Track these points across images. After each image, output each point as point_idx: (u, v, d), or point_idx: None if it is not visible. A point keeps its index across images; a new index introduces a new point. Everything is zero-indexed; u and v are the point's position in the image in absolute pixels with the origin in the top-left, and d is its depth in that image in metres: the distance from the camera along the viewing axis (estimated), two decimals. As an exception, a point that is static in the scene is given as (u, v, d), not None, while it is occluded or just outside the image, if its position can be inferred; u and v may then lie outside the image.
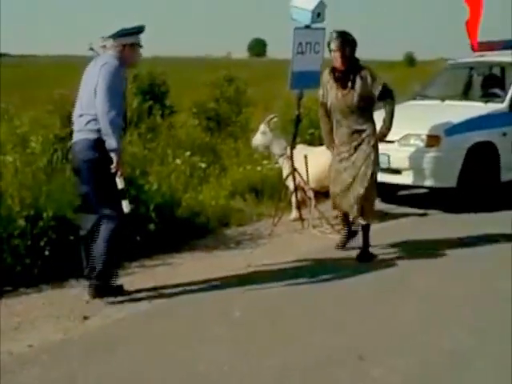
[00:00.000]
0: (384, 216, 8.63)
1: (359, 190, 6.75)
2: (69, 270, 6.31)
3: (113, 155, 5.61)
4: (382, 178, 8.85)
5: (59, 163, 8.28)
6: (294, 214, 8.31)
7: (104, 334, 5.22)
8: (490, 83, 9.85)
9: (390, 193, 9.42)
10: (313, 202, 8.03)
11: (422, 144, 8.70)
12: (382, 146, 8.73)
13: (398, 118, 9.39)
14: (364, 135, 6.73)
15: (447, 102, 9.63)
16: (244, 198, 9.06)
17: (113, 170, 5.61)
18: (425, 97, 10.17)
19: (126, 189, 5.78)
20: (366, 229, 6.94)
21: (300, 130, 10.70)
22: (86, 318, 5.46)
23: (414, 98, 10.34)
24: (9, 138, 10.53)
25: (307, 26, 7.58)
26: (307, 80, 7.71)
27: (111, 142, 5.57)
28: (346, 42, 6.63)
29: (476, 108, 9.23)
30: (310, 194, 8.05)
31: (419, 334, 5.05)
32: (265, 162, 9.51)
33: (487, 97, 9.54)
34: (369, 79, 6.63)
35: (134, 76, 13.00)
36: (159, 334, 5.15)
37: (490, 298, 5.75)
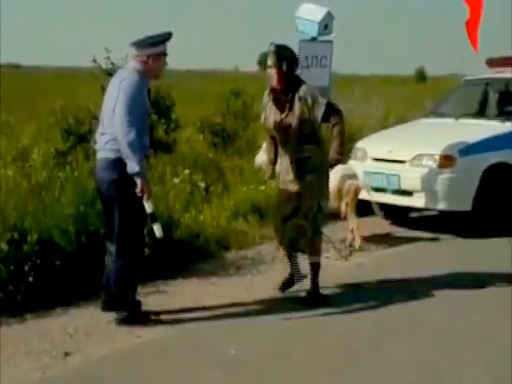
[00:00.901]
0: (393, 240, 8.19)
1: (302, 223, 5.96)
2: (55, 298, 5.91)
3: (136, 179, 5.23)
4: (392, 199, 8.47)
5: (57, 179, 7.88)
6: (299, 236, 7.86)
7: (85, 373, 4.76)
8: (507, 101, 9.37)
9: (400, 215, 8.96)
10: (319, 225, 7.56)
11: (434, 165, 8.22)
12: (392, 167, 8.40)
13: (410, 137, 9.07)
14: (310, 163, 5.91)
15: (462, 121, 9.14)
16: (246, 220, 8.59)
17: (138, 195, 5.25)
18: (438, 114, 9.71)
19: (154, 213, 5.38)
20: (314, 267, 6.14)
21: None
22: (67, 354, 5.01)
23: (427, 116, 9.89)
24: (9, 151, 10.23)
25: (313, 39, 7.15)
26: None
27: (133, 166, 5.18)
28: (283, 57, 5.82)
29: (492, 127, 8.74)
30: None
31: (429, 378, 4.58)
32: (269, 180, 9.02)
33: (504, 115, 9.04)
34: (309, 99, 5.80)
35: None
36: (145, 375, 4.68)
37: (504, 338, 5.26)
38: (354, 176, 7.72)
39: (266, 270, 7.06)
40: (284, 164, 6.04)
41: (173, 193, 8.18)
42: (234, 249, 7.80)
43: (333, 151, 5.94)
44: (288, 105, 5.84)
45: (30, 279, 5.83)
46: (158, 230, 5.35)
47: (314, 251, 6.09)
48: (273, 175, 6.30)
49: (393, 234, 8.51)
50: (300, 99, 5.80)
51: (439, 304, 6.02)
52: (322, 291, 6.18)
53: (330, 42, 7.22)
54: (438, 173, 8.19)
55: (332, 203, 7.66)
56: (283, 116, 5.88)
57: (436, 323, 5.57)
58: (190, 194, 8.74)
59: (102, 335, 5.35)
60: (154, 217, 5.36)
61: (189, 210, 8.17)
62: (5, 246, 5.81)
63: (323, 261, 7.24)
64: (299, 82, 5.89)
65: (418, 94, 18.62)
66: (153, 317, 5.61)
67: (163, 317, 5.69)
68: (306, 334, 5.37)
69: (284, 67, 5.79)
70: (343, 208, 7.66)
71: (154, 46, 5.38)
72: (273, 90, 5.96)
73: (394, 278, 6.73)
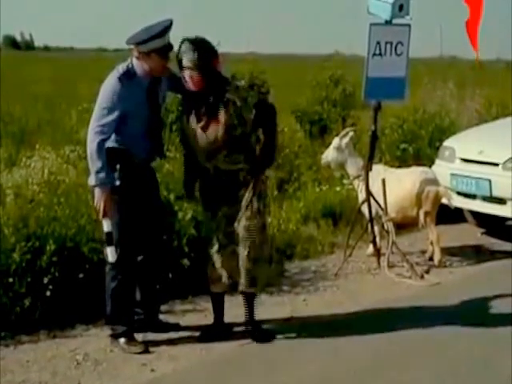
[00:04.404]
0: (483, 254, 7.12)
1: (243, 252, 4.84)
2: (78, 315, 5.28)
3: (93, 192, 4.69)
4: (481, 207, 7.37)
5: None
6: (371, 247, 6.93)
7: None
8: None
9: (494, 223, 7.78)
10: (391, 235, 6.61)
11: (533, 169, 7.04)
12: (482, 170, 7.26)
13: (505, 135, 7.85)
14: (241, 177, 4.83)
15: None
16: (318, 224, 7.70)
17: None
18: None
19: (111, 233, 4.69)
20: (249, 298, 5.11)
21: (390, 145, 9.35)
22: (63, 391, 4.35)
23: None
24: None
25: (387, 22, 6.15)
26: (387, 88, 6.25)
27: (91, 177, 4.64)
28: (202, 53, 4.69)
29: None
30: (389, 225, 6.64)
31: None
32: (345, 181, 8.08)
33: None
34: (238, 101, 4.72)
35: (232, 76, 11.87)
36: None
37: None
38: (434, 181, 6.71)
39: (325, 288, 6.18)
40: (208, 182, 4.95)
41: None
42: (298, 258, 6.98)
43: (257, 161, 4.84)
44: (210, 112, 4.75)
45: (48, 294, 5.21)
46: (110, 253, 4.68)
47: (257, 281, 4.96)
48: (192, 195, 5.16)
49: (484, 247, 7.41)
50: (227, 103, 4.72)
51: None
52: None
53: (407, 25, 6.19)
54: (536, 179, 7.00)
55: (408, 211, 6.73)
56: (203, 125, 4.78)
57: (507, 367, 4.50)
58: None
59: (112, 365, 4.65)
60: (109, 238, 4.67)
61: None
62: (17, 257, 5.19)
63: (391, 279, 6.38)
64: (222, 82, 4.81)
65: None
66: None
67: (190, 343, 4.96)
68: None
69: (202, 66, 4.69)
70: (421, 217, 6.66)
71: (143, 43, 4.62)
72: (191, 95, 4.86)
73: (478, 304, 5.72)
